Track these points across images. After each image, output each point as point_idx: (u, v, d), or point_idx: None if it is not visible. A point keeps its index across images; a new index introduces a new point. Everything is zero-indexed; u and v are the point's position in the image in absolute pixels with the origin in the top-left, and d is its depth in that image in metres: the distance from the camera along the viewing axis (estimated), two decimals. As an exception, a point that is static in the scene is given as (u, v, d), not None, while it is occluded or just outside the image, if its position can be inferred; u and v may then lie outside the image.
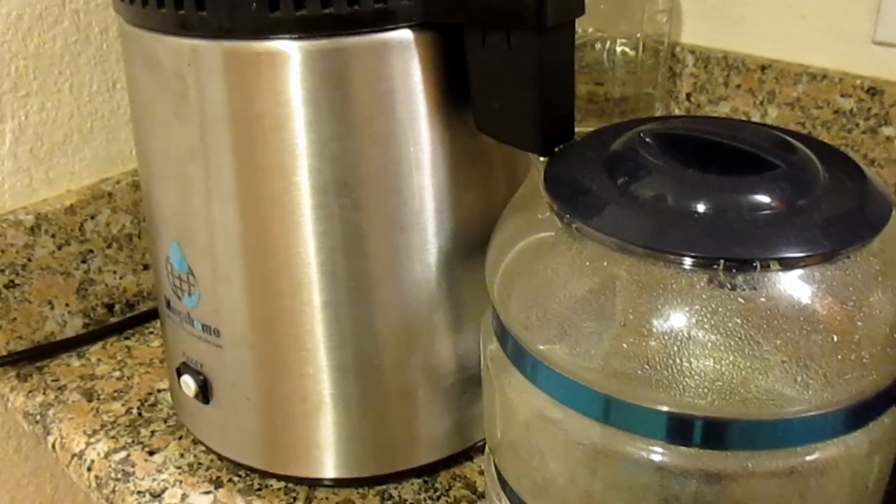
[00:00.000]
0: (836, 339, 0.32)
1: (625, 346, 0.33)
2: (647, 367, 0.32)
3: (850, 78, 0.73)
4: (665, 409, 0.33)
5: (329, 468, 0.47)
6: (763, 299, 0.32)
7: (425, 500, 0.49)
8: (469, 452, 0.51)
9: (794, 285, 0.32)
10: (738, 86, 0.78)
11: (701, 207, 0.33)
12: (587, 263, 0.35)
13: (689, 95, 0.82)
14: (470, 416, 0.48)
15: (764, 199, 0.33)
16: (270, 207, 0.41)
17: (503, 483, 0.42)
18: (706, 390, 0.32)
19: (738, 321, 0.32)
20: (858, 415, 0.33)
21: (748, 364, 0.32)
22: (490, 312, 0.41)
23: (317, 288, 0.42)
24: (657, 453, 0.33)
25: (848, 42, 0.74)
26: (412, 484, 0.50)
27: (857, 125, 0.73)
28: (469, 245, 0.43)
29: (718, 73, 0.79)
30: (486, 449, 0.45)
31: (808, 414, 0.32)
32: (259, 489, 0.50)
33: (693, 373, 0.32)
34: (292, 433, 0.46)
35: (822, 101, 0.74)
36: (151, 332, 0.64)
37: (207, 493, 0.50)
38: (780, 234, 0.32)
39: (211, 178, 0.41)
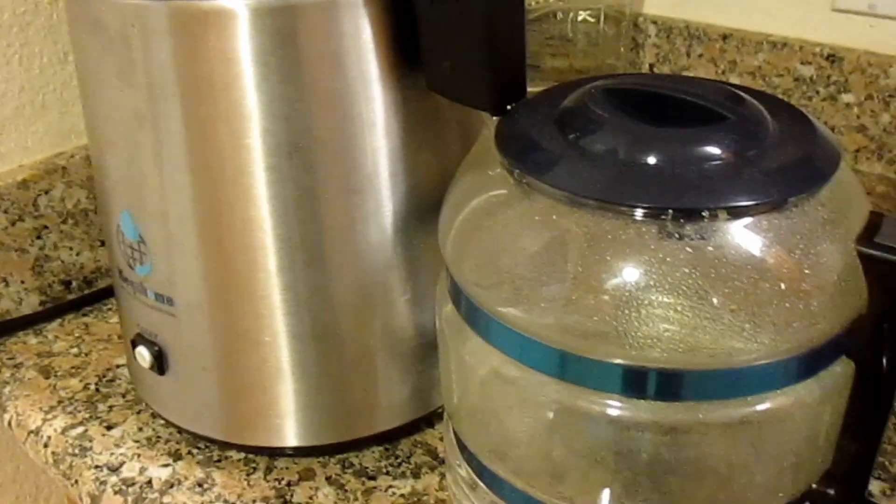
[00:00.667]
0: (784, 287, 0.32)
1: (577, 300, 0.33)
2: (599, 320, 0.32)
3: (810, 45, 0.73)
4: (619, 361, 0.33)
5: (289, 436, 0.47)
6: (712, 249, 0.32)
7: (386, 467, 0.49)
8: (430, 419, 0.51)
9: (743, 234, 0.32)
10: (700, 55, 0.79)
11: (651, 160, 0.33)
12: (538, 219, 0.35)
13: (651, 66, 0.82)
14: (429, 381, 0.47)
15: (713, 150, 0.33)
16: (221, 170, 0.40)
17: (462, 448, 0.42)
18: (658, 342, 0.32)
19: (688, 271, 0.31)
20: (809, 364, 0.33)
21: (698, 314, 0.32)
22: (444, 275, 0.40)
23: (271, 252, 0.41)
24: (613, 407, 0.33)
25: (808, 9, 0.74)
26: (373, 451, 0.50)
27: (818, 92, 0.74)
28: (424, 208, 0.43)
29: (681, 42, 0.79)
30: (445, 415, 0.45)
31: (758, 363, 0.32)
32: (219, 461, 0.49)
33: (645, 325, 0.32)
34: (251, 402, 0.46)
35: (782, 68, 0.75)
36: (110, 309, 0.63)
37: (166, 465, 0.49)
38: (729, 184, 0.32)
39: (160, 143, 0.40)
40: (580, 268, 0.33)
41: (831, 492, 0.38)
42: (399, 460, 0.49)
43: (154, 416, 0.52)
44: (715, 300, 0.31)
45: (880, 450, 0.37)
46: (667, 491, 0.35)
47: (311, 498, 0.47)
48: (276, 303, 0.43)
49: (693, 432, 0.33)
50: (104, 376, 0.56)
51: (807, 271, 0.32)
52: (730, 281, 0.31)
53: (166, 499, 0.47)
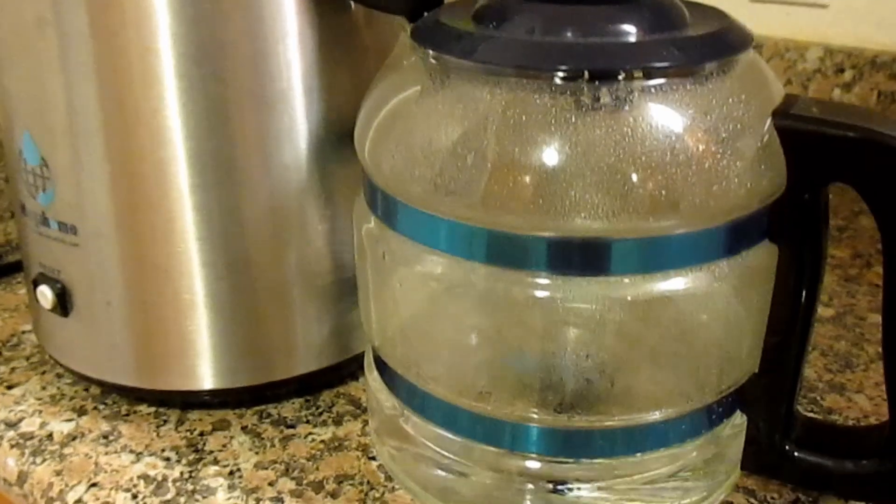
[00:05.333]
0: (702, 154, 0.31)
1: (500, 175, 0.32)
2: (523, 193, 0.31)
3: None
4: (545, 234, 0.31)
5: (204, 378, 0.44)
6: (629, 116, 0.31)
7: (307, 416, 0.46)
8: (354, 372, 0.49)
9: (660, 100, 0.31)
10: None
11: (567, 33, 0.33)
12: (456, 102, 0.34)
13: None
14: (350, 323, 0.46)
15: (629, 26, 0.33)
16: (129, 78, 0.38)
17: (391, 382, 0.40)
18: (580, 210, 0.31)
19: (606, 140, 0.31)
20: (730, 240, 0.33)
21: (618, 182, 0.31)
22: (361, 194, 0.39)
23: (182, 169, 0.40)
24: (541, 286, 0.32)
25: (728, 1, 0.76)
26: (293, 403, 0.47)
27: (739, 78, 0.75)
28: (342, 131, 0.42)
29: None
30: (367, 357, 0.43)
31: (678, 231, 0.31)
32: (127, 415, 0.46)
33: (567, 195, 0.31)
34: (162, 340, 0.43)
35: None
36: (19, 282, 0.60)
37: (69, 420, 0.46)
38: (645, 50, 0.32)
39: (63, 51, 0.39)
40: (500, 144, 0.32)
41: (758, 395, 0.37)
42: (320, 410, 0.47)
43: (59, 375, 0.49)
44: (633, 167, 0.31)
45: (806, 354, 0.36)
46: (595, 375, 0.33)
47: (224, 446, 0.44)
48: (188, 226, 0.41)
49: (619, 308, 0.32)
50: (8, 342, 0.53)
51: (724, 136, 0.31)
52: (647, 148, 0.31)
53: (67, 450, 0.44)
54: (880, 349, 0.51)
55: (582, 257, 0.31)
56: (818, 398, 0.47)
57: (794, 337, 0.36)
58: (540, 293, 0.32)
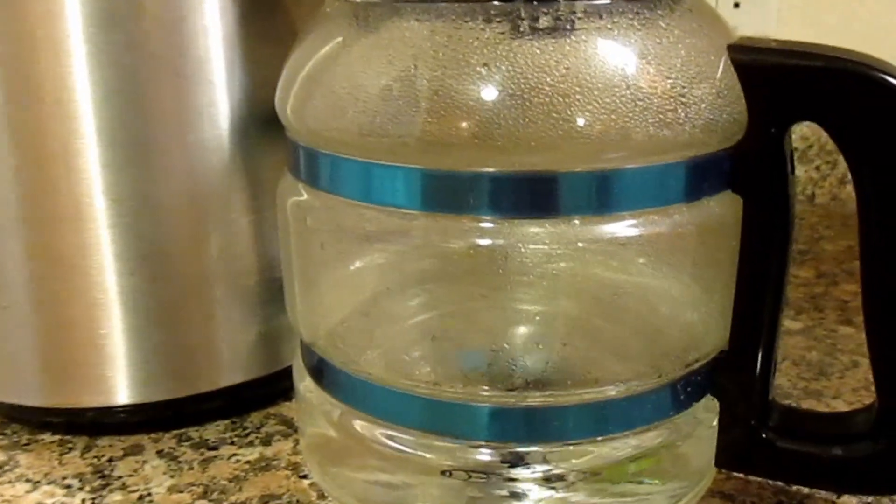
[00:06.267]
0: (652, 81, 0.28)
1: (436, 111, 0.29)
2: (462, 128, 0.28)
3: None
4: (487, 170, 0.28)
5: (118, 391, 0.39)
6: (574, 42, 0.28)
7: (232, 437, 0.41)
8: (286, 390, 0.44)
9: (606, 26, 0.29)
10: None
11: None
12: (384, 40, 0.31)
13: None
14: (279, 328, 0.41)
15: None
16: (31, 44, 0.35)
17: (329, 384, 0.35)
18: (523, 143, 0.28)
19: (548, 67, 0.28)
20: (690, 183, 0.30)
21: (561, 111, 0.28)
22: (286, 174, 0.36)
23: (91, 145, 0.36)
24: (485, 232, 0.29)
25: None
26: (217, 425, 0.42)
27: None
28: (267, 111, 0.38)
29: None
30: (296, 362, 0.38)
31: (630, 166, 0.28)
32: (27, 444, 0.41)
33: (508, 127, 0.28)
34: (68, 348, 0.39)
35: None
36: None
37: (-40, 451, 0.40)
38: (586, -27, 0.29)
39: (-43, 15, 0.35)
40: (433, 76, 0.29)
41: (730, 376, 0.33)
42: (247, 431, 0.42)
43: (-48, 406, 0.44)
44: (580, 94, 0.28)
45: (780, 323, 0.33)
46: (546, 339, 0.29)
47: (135, 471, 0.39)
48: (97, 212, 0.37)
49: (569, 256, 0.29)
50: None
51: (676, 62, 0.29)
52: (594, 73, 0.28)
53: (-48, 481, 0.38)
54: (854, 358, 0.48)
55: (528, 195, 0.28)
56: (793, 404, 0.43)
57: (764, 308, 0.32)
58: (483, 241, 0.28)
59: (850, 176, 0.29)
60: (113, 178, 0.37)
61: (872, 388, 0.32)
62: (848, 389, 0.44)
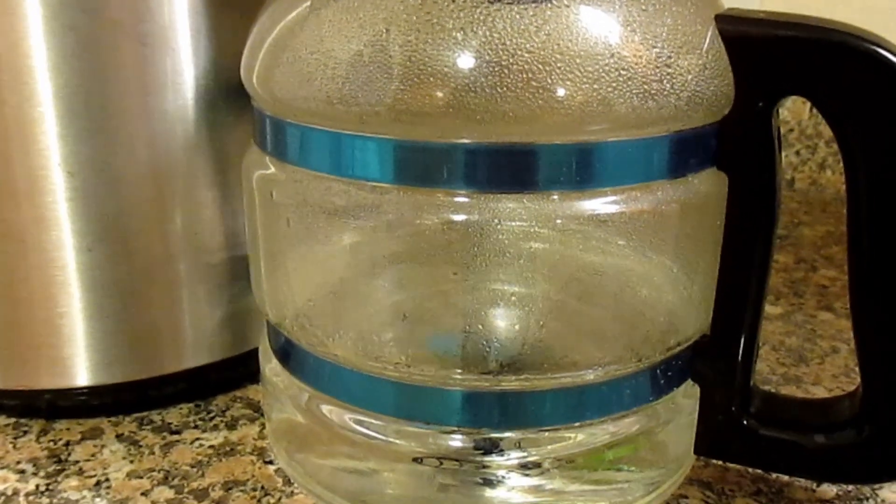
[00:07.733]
0: (634, 52, 0.27)
1: (410, 79, 0.27)
2: (437, 96, 0.27)
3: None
4: (462, 142, 0.27)
5: (77, 373, 0.37)
6: (550, 12, 0.27)
7: (195, 421, 0.40)
8: (252, 372, 0.42)
9: (587, -7, 0.27)
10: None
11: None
12: (355, 7, 0.29)
13: None
14: (245, 309, 0.40)
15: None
16: (-19, 6, 0.33)
17: (296, 367, 0.34)
18: (501, 114, 0.26)
19: (527, 33, 0.26)
20: (674, 158, 0.28)
21: (541, 80, 0.26)
22: (251, 147, 0.34)
23: (48, 114, 0.34)
24: (460, 206, 0.28)
25: None
26: (180, 409, 0.41)
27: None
28: (233, 80, 0.36)
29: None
30: (262, 344, 0.37)
31: (612, 138, 0.27)
32: (-20, 427, 0.39)
33: (485, 96, 0.26)
34: (25, 327, 0.37)
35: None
36: None
37: None
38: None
39: None
40: (407, 40, 0.27)
41: (711, 360, 0.32)
42: (212, 415, 0.40)
43: None
44: (560, 61, 0.26)
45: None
46: (523, 320, 0.28)
47: (92, 455, 0.37)
48: (53, 185, 0.35)
49: (547, 233, 0.27)
50: None
51: (661, 31, 0.27)
52: (575, 40, 0.26)
53: None
54: (834, 344, 0.47)
55: (505, 169, 0.27)
56: (773, 390, 0.42)
57: (748, 291, 0.31)
58: (458, 216, 0.27)
59: (829, 161, 0.28)
60: (70, 149, 0.35)
61: (852, 374, 0.31)
62: (828, 375, 0.43)
